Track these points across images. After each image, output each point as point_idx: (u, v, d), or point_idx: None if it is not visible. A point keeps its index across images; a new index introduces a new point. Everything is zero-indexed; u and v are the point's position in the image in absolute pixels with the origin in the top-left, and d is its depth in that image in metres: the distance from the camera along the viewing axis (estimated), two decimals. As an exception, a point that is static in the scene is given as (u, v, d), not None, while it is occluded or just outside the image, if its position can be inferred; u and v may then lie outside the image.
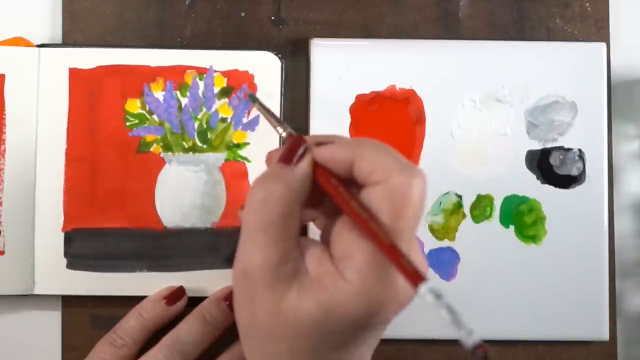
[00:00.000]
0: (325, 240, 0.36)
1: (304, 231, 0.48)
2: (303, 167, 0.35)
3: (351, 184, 0.35)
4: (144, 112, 0.48)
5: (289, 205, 0.34)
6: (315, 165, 0.36)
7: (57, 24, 0.49)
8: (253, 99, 0.46)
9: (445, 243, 0.49)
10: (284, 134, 0.41)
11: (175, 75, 0.48)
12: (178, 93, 0.48)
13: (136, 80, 0.48)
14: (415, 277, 0.31)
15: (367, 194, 0.34)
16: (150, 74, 0.48)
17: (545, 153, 0.49)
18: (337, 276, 0.33)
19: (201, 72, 0.48)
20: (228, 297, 0.46)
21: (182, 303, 0.47)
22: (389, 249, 0.32)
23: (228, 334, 0.46)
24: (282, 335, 0.34)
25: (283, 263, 0.34)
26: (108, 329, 0.46)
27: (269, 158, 0.39)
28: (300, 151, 0.36)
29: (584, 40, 0.51)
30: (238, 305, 0.36)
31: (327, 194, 0.35)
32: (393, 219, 0.33)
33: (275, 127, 0.42)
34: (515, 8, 0.51)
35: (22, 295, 0.47)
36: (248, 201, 0.35)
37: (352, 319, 0.33)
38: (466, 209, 0.49)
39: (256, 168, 0.48)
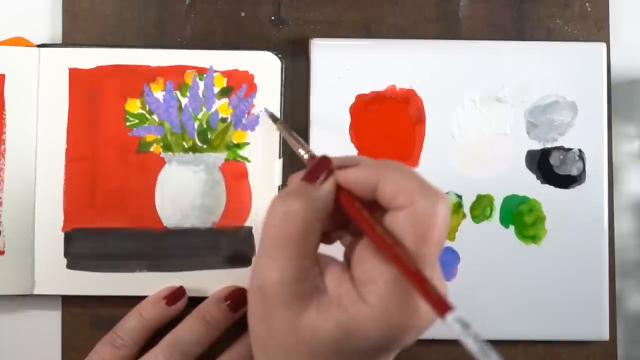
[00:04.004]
0: (348, 259, 0.36)
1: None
2: (326, 187, 0.35)
3: (374, 207, 0.34)
4: (144, 112, 0.48)
5: (309, 223, 0.34)
6: (339, 188, 0.35)
7: (57, 24, 0.49)
8: (274, 119, 0.47)
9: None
10: (305, 156, 0.40)
11: (175, 75, 0.48)
12: (178, 93, 0.48)
13: (136, 80, 0.48)
14: (442, 306, 0.31)
15: (391, 219, 0.33)
16: (150, 74, 0.48)
17: (545, 153, 0.49)
18: (358, 299, 0.33)
19: (201, 72, 0.48)
20: (228, 297, 0.46)
21: (182, 303, 0.47)
22: (414, 276, 0.32)
23: (228, 334, 0.46)
24: (299, 352, 0.34)
25: (301, 281, 0.33)
26: (108, 329, 0.46)
27: (291, 181, 0.39)
28: (324, 172, 0.35)
29: (584, 40, 0.51)
30: (252, 319, 0.35)
31: (351, 218, 0.35)
32: (417, 244, 0.33)
33: (296, 149, 0.42)
34: (515, 8, 0.51)
35: (22, 295, 0.47)
36: (267, 215, 0.34)
37: (372, 342, 0.33)
38: (466, 209, 0.49)
39: (256, 168, 0.48)
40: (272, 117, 0.47)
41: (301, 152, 0.41)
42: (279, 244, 0.33)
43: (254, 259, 0.34)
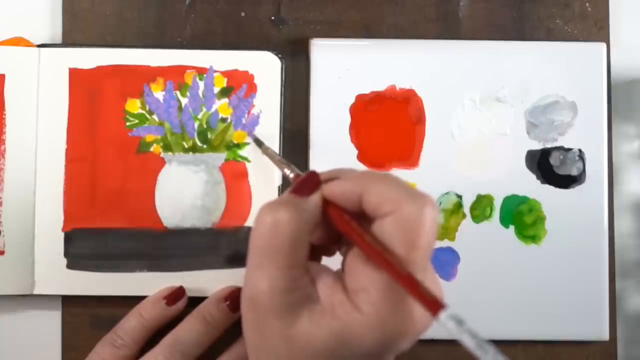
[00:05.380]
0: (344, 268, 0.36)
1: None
2: (314, 199, 0.35)
3: (362, 218, 0.34)
4: (144, 112, 0.48)
5: (297, 233, 0.34)
6: (326, 202, 0.35)
7: (57, 24, 0.49)
8: (259, 144, 0.47)
9: (445, 243, 0.49)
10: (291, 175, 0.41)
11: (175, 75, 0.48)
12: (178, 93, 0.48)
13: (136, 80, 0.48)
14: (435, 305, 0.31)
15: (379, 226, 0.33)
16: (150, 74, 0.48)
17: (545, 153, 0.49)
18: (351, 308, 0.33)
19: (201, 72, 0.48)
20: (228, 297, 0.46)
21: (182, 303, 0.47)
22: (405, 279, 0.32)
23: (228, 334, 0.46)
24: (293, 359, 0.34)
25: (291, 290, 0.33)
26: (108, 329, 0.46)
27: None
28: (312, 186, 0.35)
29: (584, 40, 0.51)
30: (246, 328, 0.35)
31: (339, 230, 0.35)
32: (407, 249, 0.33)
33: (282, 170, 0.42)
34: (515, 8, 0.51)
35: (22, 295, 0.47)
36: (255, 225, 0.34)
37: (367, 349, 0.33)
38: (466, 209, 0.49)
39: (256, 168, 0.48)
40: (257, 141, 0.47)
41: (287, 171, 0.42)
42: (267, 254, 0.33)
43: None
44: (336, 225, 0.35)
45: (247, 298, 0.35)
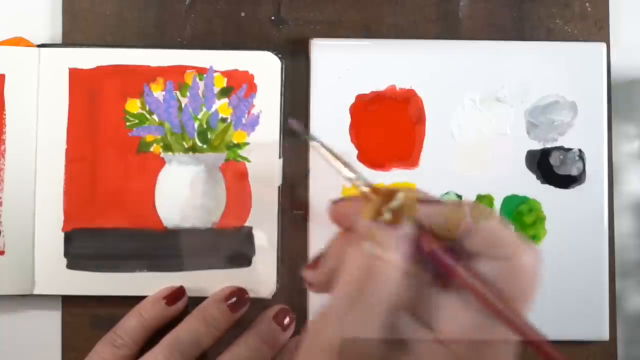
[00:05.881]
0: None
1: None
2: (410, 231, 0.32)
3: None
4: (144, 112, 0.48)
5: (398, 277, 0.31)
6: (420, 228, 0.32)
7: (57, 24, 0.49)
8: (304, 137, 0.41)
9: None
10: (363, 188, 0.34)
11: (175, 75, 0.48)
12: (178, 93, 0.48)
13: (136, 80, 0.48)
14: None
15: (488, 268, 0.31)
16: (150, 74, 0.48)
17: (545, 153, 0.49)
18: (444, 356, 0.31)
19: (201, 72, 0.48)
20: (228, 298, 0.46)
21: (182, 303, 0.47)
22: (531, 336, 0.31)
23: (228, 334, 0.46)
24: None
25: (383, 337, 0.31)
26: (108, 329, 0.46)
27: (336, 212, 0.35)
28: (408, 212, 0.32)
29: (584, 40, 0.51)
30: None
31: (442, 269, 0.32)
32: (521, 300, 0.32)
33: (342, 173, 0.35)
34: (515, 8, 0.51)
35: (22, 295, 0.47)
36: (350, 267, 0.31)
37: None
38: (466, 209, 0.49)
39: (256, 168, 0.48)
40: (298, 129, 0.41)
41: (348, 174, 0.35)
42: (367, 301, 0.31)
43: (313, 315, 0.32)
44: (436, 262, 0.32)
45: (328, 346, 0.31)
